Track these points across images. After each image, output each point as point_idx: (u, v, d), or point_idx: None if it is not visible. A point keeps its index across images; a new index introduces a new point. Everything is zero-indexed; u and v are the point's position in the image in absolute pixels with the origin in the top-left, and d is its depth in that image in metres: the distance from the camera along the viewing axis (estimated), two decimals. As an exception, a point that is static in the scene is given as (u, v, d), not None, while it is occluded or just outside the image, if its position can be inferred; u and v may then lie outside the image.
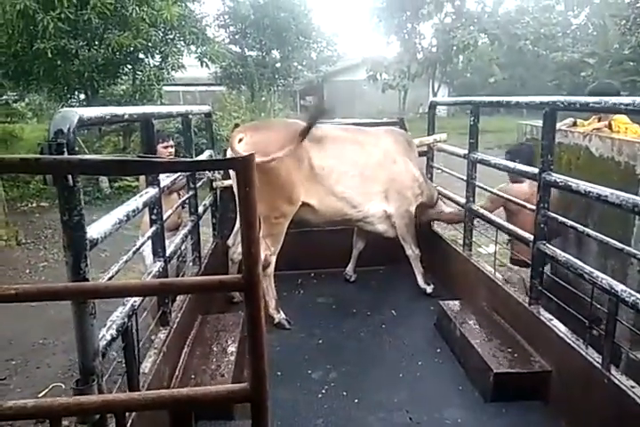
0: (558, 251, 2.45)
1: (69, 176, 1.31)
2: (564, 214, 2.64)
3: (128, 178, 10.10)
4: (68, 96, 10.44)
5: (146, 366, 2.11)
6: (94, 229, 1.54)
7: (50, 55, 8.21)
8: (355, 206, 3.58)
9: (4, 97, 13.44)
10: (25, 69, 9.11)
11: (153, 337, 2.41)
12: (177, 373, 2.47)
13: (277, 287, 3.52)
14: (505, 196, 3.21)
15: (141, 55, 9.77)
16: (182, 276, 3.38)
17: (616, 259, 3.06)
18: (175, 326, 2.55)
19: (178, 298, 2.87)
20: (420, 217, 4.00)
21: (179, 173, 2.91)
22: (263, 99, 15.57)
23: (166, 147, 3.95)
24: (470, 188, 3.52)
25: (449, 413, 2.43)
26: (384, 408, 2.49)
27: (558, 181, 2.36)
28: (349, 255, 4.20)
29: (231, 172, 3.49)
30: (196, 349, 2.72)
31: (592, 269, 2.18)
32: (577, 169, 3.44)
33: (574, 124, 3.71)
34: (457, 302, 3.27)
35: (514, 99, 2.88)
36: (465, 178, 3.57)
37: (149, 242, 2.42)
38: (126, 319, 1.79)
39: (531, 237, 2.62)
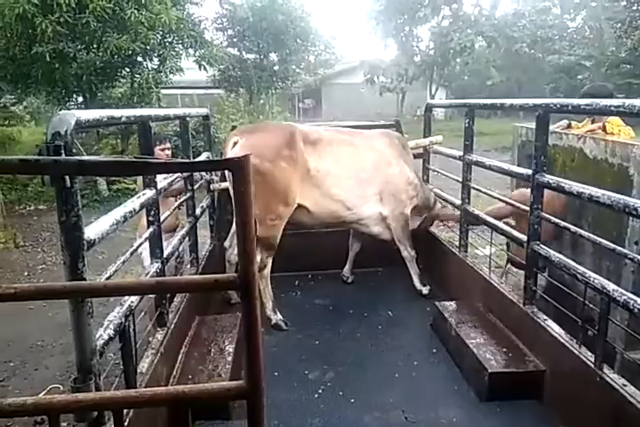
0: (552, 251, 2.48)
1: (67, 177, 1.34)
2: (563, 217, 2.66)
3: (126, 180, 10.13)
4: (67, 99, 10.47)
5: (143, 366, 2.13)
6: (91, 230, 1.56)
7: (48, 58, 8.24)
8: (349, 208, 3.60)
9: (3, 100, 13.46)
10: (23, 73, 9.14)
11: (150, 338, 2.43)
12: (174, 373, 2.48)
13: (274, 289, 3.54)
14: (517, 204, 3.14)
15: (139, 58, 9.81)
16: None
17: (610, 260, 3.09)
18: (172, 326, 2.57)
19: (175, 299, 2.89)
20: (417, 219, 4.03)
21: (176, 176, 2.94)
22: (261, 102, 15.62)
23: (163, 149, 3.98)
24: (465, 189, 3.55)
25: (444, 412, 2.45)
26: (380, 408, 2.50)
27: (551, 182, 2.39)
28: (346, 257, 4.23)
29: (227, 174, 3.52)
30: (193, 349, 2.74)
31: (585, 270, 2.20)
32: (571, 171, 3.47)
33: (569, 126, 3.74)
34: (453, 303, 3.29)
35: (507, 101, 2.91)
36: (460, 180, 3.60)
37: (147, 244, 2.44)
38: (123, 319, 1.81)
39: (524, 237, 2.65)
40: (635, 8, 15.26)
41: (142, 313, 2.46)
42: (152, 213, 2.41)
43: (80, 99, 10.69)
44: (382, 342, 3.21)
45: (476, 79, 28.47)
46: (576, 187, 2.22)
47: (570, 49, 24.77)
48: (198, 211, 3.47)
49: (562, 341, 2.34)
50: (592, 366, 2.09)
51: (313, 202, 3.46)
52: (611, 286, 2.00)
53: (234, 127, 4.43)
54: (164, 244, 2.59)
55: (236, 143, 3.34)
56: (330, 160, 3.49)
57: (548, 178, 2.43)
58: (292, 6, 16.98)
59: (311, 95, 30.06)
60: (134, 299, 1.95)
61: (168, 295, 2.69)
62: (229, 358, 2.63)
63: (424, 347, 3.11)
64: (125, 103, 10.06)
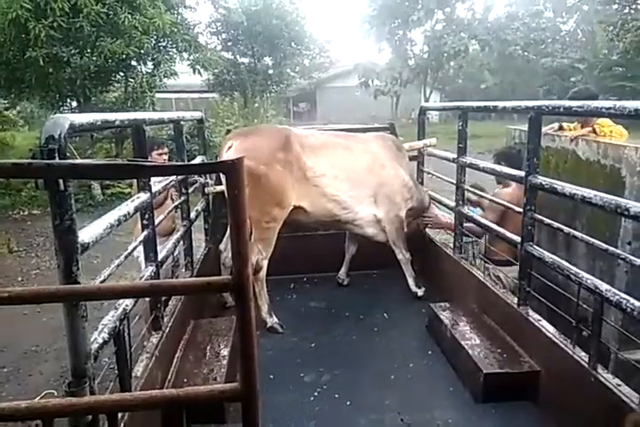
0: (545, 252, 2.49)
1: (61, 181, 1.34)
2: (554, 217, 2.68)
3: (121, 184, 10.11)
4: (60, 104, 10.45)
5: (138, 369, 2.12)
6: (85, 234, 1.56)
7: (42, 63, 8.23)
8: (345, 208, 3.62)
9: (-4, 105, 13.44)
10: (17, 77, 9.12)
11: (145, 342, 2.42)
12: (169, 377, 2.48)
13: (270, 292, 3.54)
14: (499, 201, 3.22)
15: (134, 62, 9.81)
16: (175, 281, 3.39)
17: (604, 260, 3.11)
18: (167, 330, 2.56)
19: (170, 303, 2.89)
20: (412, 221, 4.04)
21: (171, 180, 2.94)
22: (256, 105, 15.62)
23: (161, 154, 3.98)
24: (460, 191, 3.57)
25: (440, 414, 2.45)
26: (376, 410, 2.51)
27: (544, 183, 2.40)
28: (342, 259, 4.23)
29: (222, 177, 3.52)
30: (188, 353, 2.73)
31: (578, 270, 2.22)
32: (565, 172, 3.50)
33: (560, 128, 3.77)
34: (447, 305, 3.30)
35: (500, 104, 2.93)
36: (455, 182, 3.61)
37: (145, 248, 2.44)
38: (118, 323, 1.80)
39: (518, 238, 2.66)
40: (626, 11, 15.41)
41: (137, 317, 2.46)
42: (146, 216, 2.41)
43: (74, 103, 10.69)
44: (378, 344, 3.22)
45: (469, 82, 28.64)
46: (569, 188, 2.24)
47: (563, 52, 24.96)
48: (193, 214, 3.47)
49: (556, 341, 2.35)
50: (586, 366, 2.10)
51: (309, 202, 3.48)
52: (604, 286, 2.01)
53: (228, 131, 4.44)
54: (160, 247, 2.59)
55: (230, 147, 3.35)
56: (325, 163, 3.51)
57: (541, 179, 2.44)
58: (287, 10, 17.02)
59: (306, 99, 30.14)
60: (129, 302, 1.94)
61: (163, 299, 2.69)
62: (224, 362, 2.62)
63: (419, 349, 3.12)
64: (119, 107, 10.05)
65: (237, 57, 18.02)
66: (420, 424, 2.39)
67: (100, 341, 1.64)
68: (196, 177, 3.67)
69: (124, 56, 8.76)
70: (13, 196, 10.42)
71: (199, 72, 10.92)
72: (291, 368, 2.92)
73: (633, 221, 2.45)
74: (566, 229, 2.38)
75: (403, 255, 3.89)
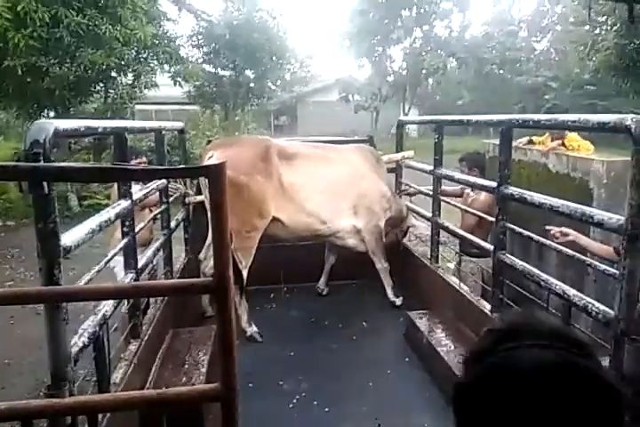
0: (517, 260, 2.58)
1: (45, 184, 1.37)
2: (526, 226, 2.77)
3: (98, 196, 10.02)
4: (38, 113, 10.35)
5: (117, 376, 2.12)
6: (68, 237, 1.58)
7: (20, 72, 8.16)
8: (324, 222, 3.66)
9: (-29, 114, 13.22)
10: (-7, 86, 9.02)
11: (123, 349, 2.41)
12: (148, 385, 2.47)
13: (250, 301, 3.55)
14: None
15: (114, 73, 9.80)
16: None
17: (574, 271, 3.22)
18: (146, 338, 2.56)
19: (149, 311, 2.88)
20: (390, 231, 4.12)
21: (151, 188, 2.95)
22: (237, 118, 15.69)
23: (140, 163, 3.99)
24: (436, 202, 3.66)
25: (416, 419, 2.50)
26: (354, 417, 2.54)
27: (514, 193, 2.50)
28: (321, 270, 4.27)
29: (202, 186, 3.55)
30: (167, 361, 2.73)
31: (547, 277, 2.30)
32: (537, 185, 3.62)
33: (530, 141, 3.92)
34: (425, 313, 3.36)
35: (473, 117, 3.05)
36: (431, 193, 3.71)
37: (120, 258, 2.43)
38: (97, 328, 1.81)
39: (491, 247, 2.75)
40: (597, 32, 15.98)
41: (113, 328, 2.45)
42: (127, 223, 2.42)
43: (52, 113, 10.59)
44: (356, 352, 3.25)
45: (447, 99, 29.22)
46: (537, 198, 2.33)
47: (537, 70, 25.70)
48: (173, 224, 3.48)
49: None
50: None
51: (287, 216, 3.50)
52: (571, 292, 2.10)
53: (209, 141, 4.48)
54: (139, 256, 2.59)
55: (211, 157, 3.39)
56: (304, 174, 3.56)
57: (512, 190, 2.54)
58: (268, 25, 17.22)
59: (286, 112, 30.31)
60: (109, 308, 1.95)
61: (142, 307, 2.69)
62: (203, 370, 2.62)
63: (397, 356, 3.16)
64: (99, 118, 9.99)
65: (219, 70, 18.10)
66: None
67: (80, 344, 1.65)
68: (178, 185, 3.69)
69: (105, 67, 8.75)
70: (-13, 207, 10.21)
71: (180, 84, 10.96)
72: (270, 376, 2.93)
73: (599, 228, 2.55)
74: (536, 237, 2.47)
75: (381, 264, 3.95)
